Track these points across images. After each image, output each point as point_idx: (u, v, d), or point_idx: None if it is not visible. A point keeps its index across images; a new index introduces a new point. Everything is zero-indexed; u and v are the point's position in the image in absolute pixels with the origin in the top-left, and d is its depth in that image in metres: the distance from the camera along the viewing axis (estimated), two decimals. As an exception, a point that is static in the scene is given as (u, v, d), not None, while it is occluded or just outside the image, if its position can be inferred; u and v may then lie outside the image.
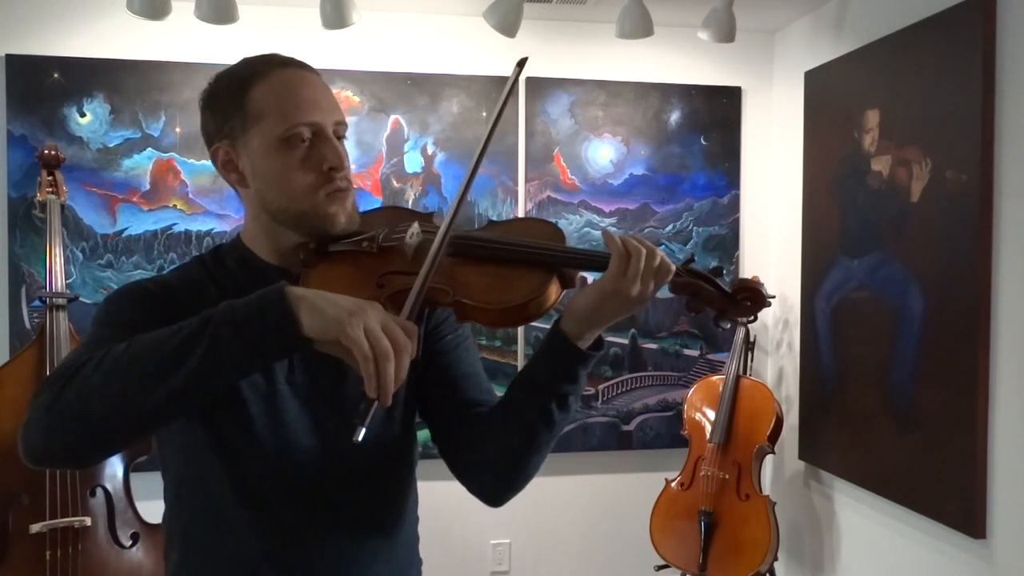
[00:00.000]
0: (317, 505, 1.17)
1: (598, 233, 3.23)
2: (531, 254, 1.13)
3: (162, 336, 0.97)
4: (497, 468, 1.22)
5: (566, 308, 1.15)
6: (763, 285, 3.27)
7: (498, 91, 3.15)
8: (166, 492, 1.23)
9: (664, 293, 1.16)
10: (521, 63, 1.21)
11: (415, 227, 1.15)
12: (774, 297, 3.21)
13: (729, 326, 1.19)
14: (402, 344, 0.95)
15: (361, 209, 1.24)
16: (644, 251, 1.09)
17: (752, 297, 1.15)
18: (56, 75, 2.88)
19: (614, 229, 3.24)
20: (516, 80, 1.19)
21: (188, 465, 1.18)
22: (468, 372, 1.29)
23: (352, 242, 1.17)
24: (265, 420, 1.14)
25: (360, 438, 0.92)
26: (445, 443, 1.27)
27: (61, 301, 2.51)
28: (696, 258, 1.27)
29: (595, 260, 1.13)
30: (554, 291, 1.12)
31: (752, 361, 3.18)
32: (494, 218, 3.00)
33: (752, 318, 3.09)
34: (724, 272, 1.17)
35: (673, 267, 1.12)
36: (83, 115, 2.91)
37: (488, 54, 3.14)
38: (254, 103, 1.14)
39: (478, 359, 1.33)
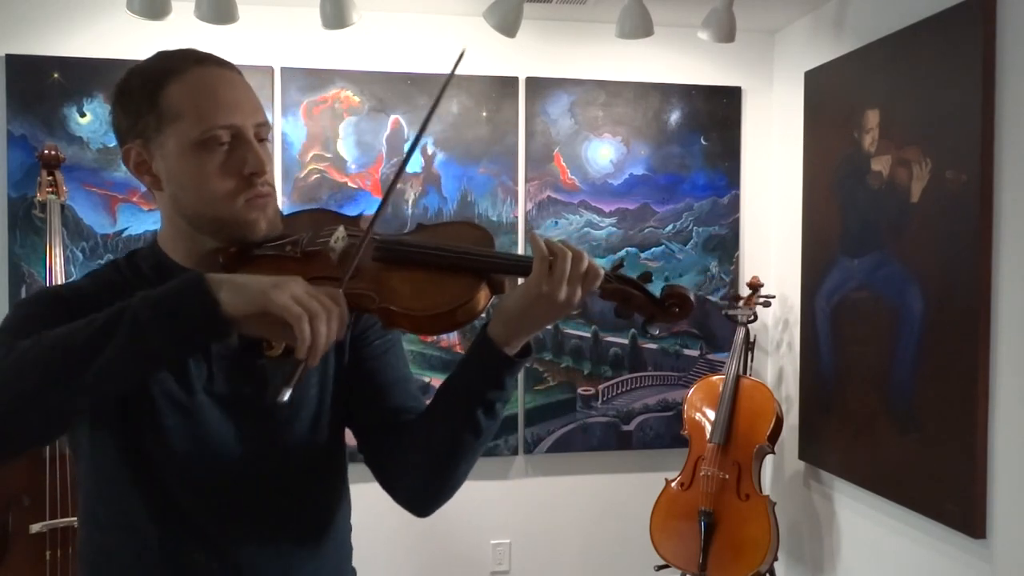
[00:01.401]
0: (239, 517, 1.13)
1: (598, 234, 3.24)
2: (459, 259, 1.10)
3: (73, 328, 0.94)
4: (424, 476, 1.19)
5: (494, 312, 1.12)
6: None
7: (498, 91, 3.16)
8: (81, 513, 1.18)
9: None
10: (461, 54, 1.19)
11: (340, 231, 1.12)
12: (774, 297, 3.21)
13: (658, 332, 1.18)
14: (330, 305, 0.95)
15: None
16: (570, 254, 1.06)
17: (680, 303, 1.13)
18: (56, 75, 2.88)
19: (614, 229, 3.25)
20: (456, 67, 1.16)
21: (101, 481, 1.13)
22: (396, 378, 1.25)
23: (275, 246, 1.12)
24: (183, 432, 1.10)
25: (286, 399, 0.91)
26: (371, 451, 1.23)
27: (61, 301, 2.51)
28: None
29: (524, 265, 1.09)
30: (483, 297, 1.10)
31: (752, 361, 3.18)
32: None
33: (751, 318, 3.09)
34: (653, 278, 1.15)
35: (602, 272, 1.10)
36: (83, 115, 2.91)
37: (488, 54, 3.14)
38: (169, 102, 1.07)
39: (407, 364, 1.29)
